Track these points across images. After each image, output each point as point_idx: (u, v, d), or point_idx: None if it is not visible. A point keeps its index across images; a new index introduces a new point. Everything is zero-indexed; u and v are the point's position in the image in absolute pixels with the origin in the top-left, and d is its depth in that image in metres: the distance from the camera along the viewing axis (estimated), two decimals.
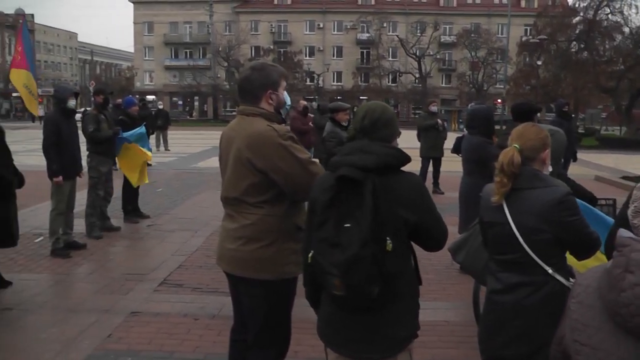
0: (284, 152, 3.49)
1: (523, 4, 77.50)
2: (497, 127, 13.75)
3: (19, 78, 11.30)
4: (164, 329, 5.83)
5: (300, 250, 3.55)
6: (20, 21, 16.33)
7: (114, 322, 6.01)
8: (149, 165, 11.38)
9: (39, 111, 57.25)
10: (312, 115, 14.66)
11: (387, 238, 2.77)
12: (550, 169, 3.47)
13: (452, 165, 13.51)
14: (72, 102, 8.61)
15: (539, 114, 6.92)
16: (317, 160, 4.43)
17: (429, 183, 13.71)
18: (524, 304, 3.25)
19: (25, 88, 11.27)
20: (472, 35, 73.26)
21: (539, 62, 53.77)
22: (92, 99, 12.04)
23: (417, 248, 3.13)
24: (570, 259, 3.47)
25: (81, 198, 9.91)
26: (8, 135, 7.37)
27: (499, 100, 60.72)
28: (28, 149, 22.13)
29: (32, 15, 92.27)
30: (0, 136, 7.02)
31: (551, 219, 3.17)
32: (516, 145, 3.31)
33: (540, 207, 3.19)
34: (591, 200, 5.37)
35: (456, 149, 8.63)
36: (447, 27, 77.87)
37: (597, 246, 3.38)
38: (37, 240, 9.29)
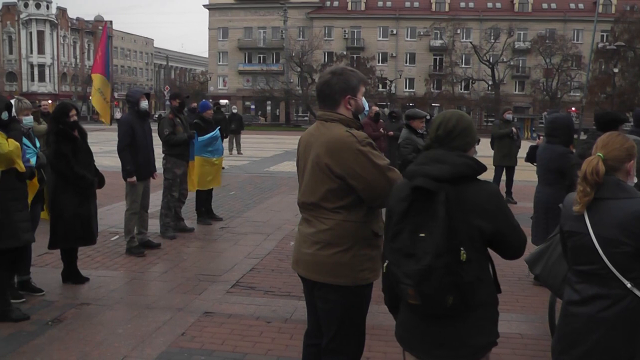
0: (362, 158, 3.48)
1: (600, 9, 75.52)
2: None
3: (97, 82, 11.70)
4: (236, 331, 5.90)
5: (376, 257, 3.57)
6: (100, 27, 16.86)
7: (187, 321, 6.12)
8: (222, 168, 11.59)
9: (116, 114, 58.86)
10: (382, 121, 14.66)
11: (461, 248, 2.77)
12: (635, 180, 3.37)
13: (526, 174, 13.28)
14: (144, 103, 8.81)
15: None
16: None
17: (501, 192, 13.42)
18: (600, 317, 3.16)
19: (100, 93, 11.63)
20: (547, 41, 71.42)
21: (616, 70, 52.17)
22: (168, 103, 12.29)
23: (494, 257, 3.10)
24: None
25: (156, 199, 10.15)
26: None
27: (574, 109, 59.31)
28: (105, 150, 22.75)
29: (111, 22, 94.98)
30: (82, 138, 7.24)
31: (633, 232, 3.07)
32: (600, 154, 3.24)
33: (622, 218, 3.10)
34: None
35: (530, 158, 8.43)
36: (522, 33, 76.35)
37: None
38: (113, 239, 9.55)
